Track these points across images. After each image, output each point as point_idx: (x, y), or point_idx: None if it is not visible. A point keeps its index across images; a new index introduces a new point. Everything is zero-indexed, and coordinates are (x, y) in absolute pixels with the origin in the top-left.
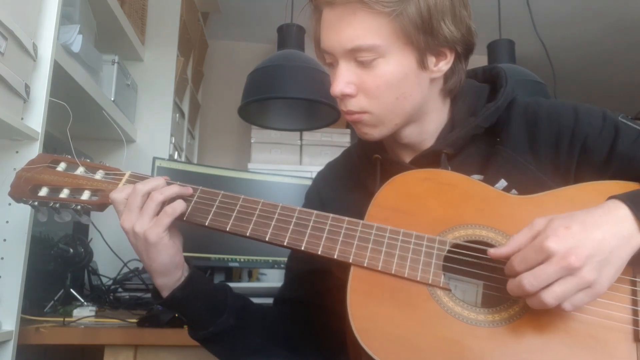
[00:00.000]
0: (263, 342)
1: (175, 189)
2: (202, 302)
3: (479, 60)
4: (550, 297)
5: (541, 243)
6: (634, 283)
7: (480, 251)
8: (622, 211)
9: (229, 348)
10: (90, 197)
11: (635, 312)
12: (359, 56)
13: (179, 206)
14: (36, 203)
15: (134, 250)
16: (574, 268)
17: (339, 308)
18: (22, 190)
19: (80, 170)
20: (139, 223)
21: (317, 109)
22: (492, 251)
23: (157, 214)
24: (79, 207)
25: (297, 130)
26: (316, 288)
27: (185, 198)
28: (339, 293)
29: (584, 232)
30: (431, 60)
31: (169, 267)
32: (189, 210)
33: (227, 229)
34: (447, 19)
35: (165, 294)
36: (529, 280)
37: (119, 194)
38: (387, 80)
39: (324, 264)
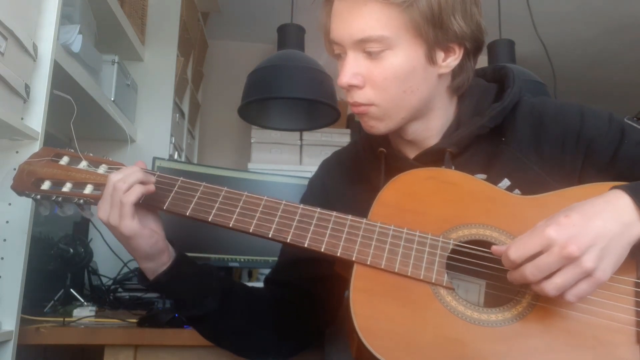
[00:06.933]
0: (247, 324)
1: (136, 175)
2: (186, 285)
3: (479, 60)
4: (551, 287)
5: (542, 231)
6: (637, 285)
7: (483, 251)
8: (623, 200)
9: (212, 329)
10: (93, 191)
11: (638, 314)
12: (368, 47)
13: (134, 192)
14: (38, 197)
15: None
16: (574, 257)
17: (327, 297)
18: (24, 184)
19: (83, 164)
20: (112, 216)
21: (317, 109)
22: (495, 247)
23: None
24: (81, 201)
25: (297, 130)
26: (307, 275)
27: (187, 193)
28: (329, 282)
29: (584, 221)
30: (440, 55)
31: (152, 254)
32: (191, 206)
33: (230, 225)
34: (458, 14)
35: (150, 277)
36: (531, 271)
37: (115, 175)
38: (395, 73)
39: (317, 253)
